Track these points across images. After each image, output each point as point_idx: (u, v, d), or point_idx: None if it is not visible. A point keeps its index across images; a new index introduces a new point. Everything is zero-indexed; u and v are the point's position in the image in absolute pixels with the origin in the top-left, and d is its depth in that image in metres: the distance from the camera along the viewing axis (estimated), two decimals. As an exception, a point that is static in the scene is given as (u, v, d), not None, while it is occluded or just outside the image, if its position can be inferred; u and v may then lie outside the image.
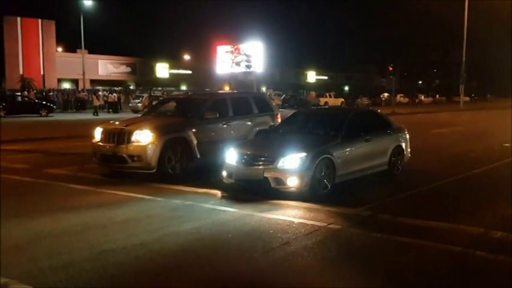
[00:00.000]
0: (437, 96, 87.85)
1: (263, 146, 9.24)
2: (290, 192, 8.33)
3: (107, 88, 57.78)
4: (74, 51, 61.94)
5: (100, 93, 49.30)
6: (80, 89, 54.93)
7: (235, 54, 53.48)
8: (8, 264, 5.27)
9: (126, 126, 10.70)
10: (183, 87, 70.92)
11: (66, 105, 46.54)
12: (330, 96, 59.75)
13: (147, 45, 66.72)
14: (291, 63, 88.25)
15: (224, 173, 9.05)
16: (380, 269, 5.32)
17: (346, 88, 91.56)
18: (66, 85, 62.43)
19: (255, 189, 8.62)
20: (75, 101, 48.26)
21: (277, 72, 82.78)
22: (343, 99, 62.09)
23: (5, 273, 4.99)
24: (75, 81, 63.31)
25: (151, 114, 12.36)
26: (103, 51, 67.49)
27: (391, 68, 46.36)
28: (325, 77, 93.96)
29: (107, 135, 10.69)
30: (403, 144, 10.77)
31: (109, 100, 44.75)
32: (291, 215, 7.44)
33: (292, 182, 8.24)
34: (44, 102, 39.35)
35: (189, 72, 74.80)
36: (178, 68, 73.96)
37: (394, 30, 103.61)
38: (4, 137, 18.96)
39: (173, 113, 12.27)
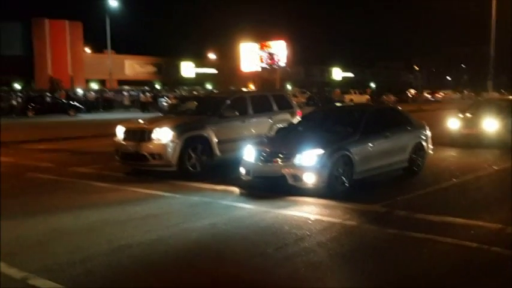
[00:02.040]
0: (465, 92, 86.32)
1: (281, 143, 9.30)
2: (307, 189, 8.35)
3: (133, 88, 58.56)
4: (101, 52, 62.92)
5: (125, 93, 50.05)
6: (107, 89, 55.80)
7: (259, 52, 53.57)
8: (28, 259, 5.46)
9: (147, 124, 10.91)
10: (208, 86, 71.30)
11: (92, 106, 47.34)
12: (356, 94, 59.34)
13: (172, 44, 67.34)
14: (316, 61, 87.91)
15: (242, 170, 9.12)
16: (393, 263, 5.32)
17: (373, 85, 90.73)
18: (94, 85, 63.45)
19: (273, 186, 8.65)
20: (102, 101, 49.15)
21: (302, 70, 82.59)
22: (368, 96, 61.56)
23: (25, 267, 5.16)
24: (102, 82, 64.32)
25: (172, 113, 12.50)
26: (129, 52, 68.42)
27: (417, 68, 45.72)
28: (351, 74, 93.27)
29: (129, 134, 10.90)
30: (424, 141, 10.61)
31: (141, 100, 45.39)
32: (306, 211, 7.47)
33: (309, 179, 8.26)
34: (71, 102, 40.20)
35: (214, 71, 75.19)
36: (203, 67, 74.43)
37: (422, 25, 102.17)
38: (32, 137, 19.52)
39: (193, 112, 12.44)
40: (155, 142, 10.35)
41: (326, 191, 8.28)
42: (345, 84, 78.47)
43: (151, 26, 69.00)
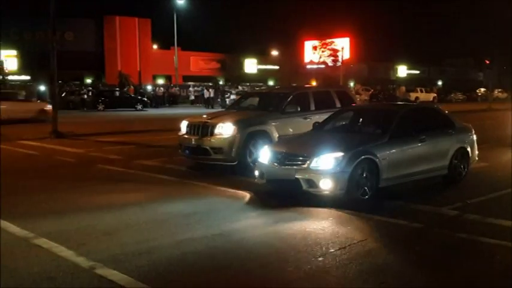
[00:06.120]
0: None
1: (299, 144, 8.62)
2: (323, 196, 7.66)
3: (198, 84, 59.65)
4: (168, 48, 64.46)
5: (191, 88, 51.06)
6: (172, 85, 57.17)
7: (322, 49, 53.14)
8: (97, 249, 5.60)
9: (209, 119, 11.06)
10: (271, 83, 71.44)
11: (159, 101, 48.58)
12: (421, 92, 57.59)
13: (236, 41, 67.88)
14: (380, 57, 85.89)
15: (256, 173, 8.50)
16: (460, 270, 5.07)
17: (440, 83, 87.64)
18: (160, 81, 65.18)
19: (288, 192, 8.06)
20: (168, 96, 50.44)
21: (365, 67, 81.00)
22: (435, 94, 59.58)
23: (93, 257, 5.31)
24: (168, 77, 65.91)
25: (234, 109, 12.65)
26: (195, 48, 69.66)
27: (487, 62, 43.73)
28: (417, 71, 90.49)
29: (192, 128, 11.09)
30: (468, 146, 9.56)
31: (205, 96, 46.16)
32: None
33: (326, 185, 7.48)
34: (139, 97, 41.50)
35: (277, 67, 75.23)
36: (265, 64, 74.65)
37: (493, 21, 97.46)
38: (101, 130, 20.30)
39: (255, 108, 12.50)
40: (217, 136, 10.53)
41: (344, 200, 7.51)
42: (411, 81, 76.19)
43: (216, 22, 69.93)
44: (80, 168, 11.53)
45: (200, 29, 63.34)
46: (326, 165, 7.52)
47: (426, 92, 58.32)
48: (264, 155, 8.41)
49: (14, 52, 52.00)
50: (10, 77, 45.60)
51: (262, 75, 73.59)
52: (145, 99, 42.11)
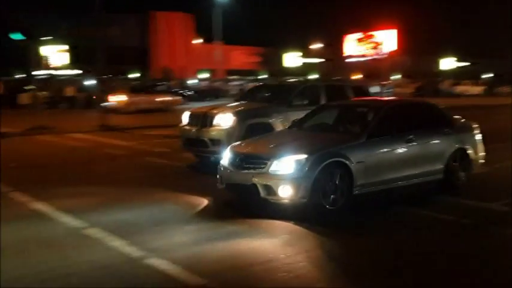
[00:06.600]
0: None
1: (263, 144, 7.63)
2: (284, 205, 6.70)
3: (239, 78, 59.96)
4: (211, 43, 65.08)
5: (232, 82, 51.33)
6: (214, 79, 57.74)
7: (365, 42, 52.27)
8: (145, 239, 5.72)
9: (210, 109, 10.61)
10: (312, 76, 70.96)
11: (202, 94, 49.05)
12: (469, 84, 55.95)
13: (277, 34, 67.63)
14: (427, 49, 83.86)
15: (218, 176, 7.46)
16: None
17: (488, 75, 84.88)
18: (203, 75, 65.85)
19: (246, 199, 7.24)
20: (211, 90, 50.95)
21: (410, 59, 79.28)
22: (484, 87, 57.75)
23: (143, 247, 5.40)
24: (211, 71, 66.52)
25: (245, 100, 12.19)
26: (237, 42, 69.96)
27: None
28: (466, 63, 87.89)
29: (192, 119, 10.69)
30: (470, 147, 8.42)
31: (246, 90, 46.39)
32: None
33: (285, 192, 6.50)
34: (182, 91, 42.11)
35: (319, 60, 74.64)
36: (307, 57, 74.17)
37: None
38: (148, 123, 20.74)
39: (264, 99, 11.96)
40: (216, 128, 10.03)
41: (308, 210, 6.60)
42: (459, 74, 74.12)
43: (258, 16, 69.91)
44: (130, 160, 11.84)
45: (242, 22, 63.46)
46: (286, 169, 6.56)
47: (474, 85, 56.59)
48: (225, 156, 7.42)
49: (65, 47, 53.54)
50: (61, 72, 47.01)
51: (304, 69, 73.19)
52: (189, 92, 42.68)
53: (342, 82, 13.43)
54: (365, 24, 54.27)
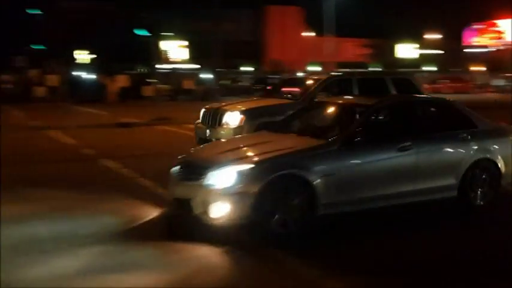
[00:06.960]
0: None
1: (214, 150, 6.63)
2: (222, 227, 5.46)
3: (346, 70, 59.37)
4: (322, 35, 65.13)
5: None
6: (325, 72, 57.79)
7: (487, 31, 49.22)
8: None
9: (223, 106, 9.91)
10: (428, 68, 68.19)
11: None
12: None
13: (388, 25, 65.84)
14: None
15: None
16: None
17: None
18: (314, 67, 66.14)
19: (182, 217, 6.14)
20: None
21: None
22: None
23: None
24: (322, 64, 66.59)
25: (272, 96, 11.34)
26: (348, 34, 69.27)
27: None
28: None
29: (204, 116, 10.04)
30: (498, 157, 6.69)
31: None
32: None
33: (218, 211, 5.36)
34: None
35: (436, 51, 71.53)
36: (422, 48, 71.38)
37: None
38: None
39: (285, 95, 10.96)
40: (224, 127, 9.29)
41: (251, 234, 5.45)
42: None
43: (371, 8, 68.53)
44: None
45: (354, 14, 62.64)
46: (224, 182, 5.40)
47: None
48: (175, 166, 6.34)
49: (185, 43, 56.51)
50: (180, 66, 49.88)
51: (419, 61, 70.55)
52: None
53: (383, 75, 11.61)
54: (486, 12, 51.10)
